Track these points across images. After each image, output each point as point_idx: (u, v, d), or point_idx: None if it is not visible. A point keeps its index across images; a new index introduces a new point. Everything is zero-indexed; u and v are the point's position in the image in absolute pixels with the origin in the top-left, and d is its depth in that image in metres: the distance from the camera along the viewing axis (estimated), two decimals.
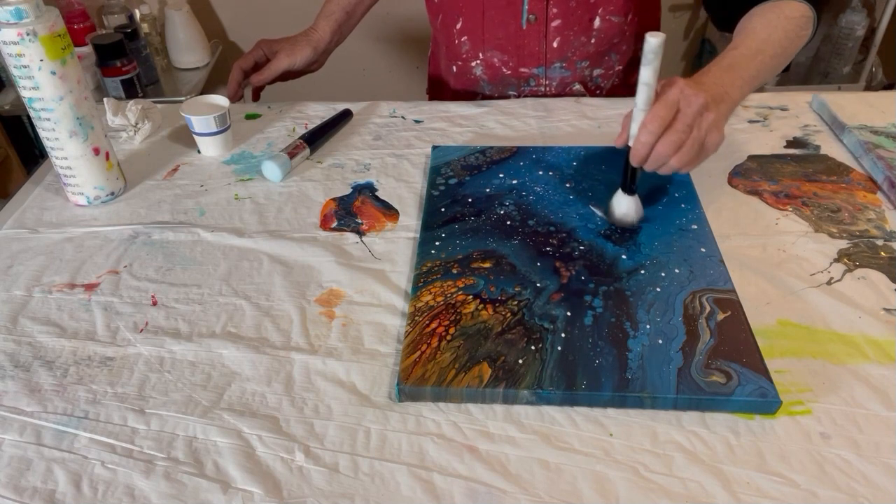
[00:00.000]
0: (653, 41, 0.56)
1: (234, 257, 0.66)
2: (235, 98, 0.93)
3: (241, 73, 0.93)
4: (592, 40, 0.89)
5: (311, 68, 0.97)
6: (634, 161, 0.60)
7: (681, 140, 0.58)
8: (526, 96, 0.95)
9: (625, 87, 0.97)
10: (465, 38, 0.92)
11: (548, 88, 0.94)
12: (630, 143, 0.60)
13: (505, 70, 0.93)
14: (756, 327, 0.54)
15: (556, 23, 0.87)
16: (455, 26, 0.92)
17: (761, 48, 0.67)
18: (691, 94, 0.58)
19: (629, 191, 0.64)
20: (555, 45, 0.89)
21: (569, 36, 0.88)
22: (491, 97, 0.97)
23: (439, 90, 1.05)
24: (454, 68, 0.97)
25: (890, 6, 1.67)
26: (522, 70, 0.92)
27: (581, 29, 0.88)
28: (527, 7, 0.86)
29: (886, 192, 0.70)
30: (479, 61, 0.94)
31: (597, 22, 0.88)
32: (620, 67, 0.94)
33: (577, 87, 0.94)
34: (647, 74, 0.57)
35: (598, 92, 0.95)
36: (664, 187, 0.70)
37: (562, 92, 0.94)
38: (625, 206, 0.64)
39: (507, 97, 0.96)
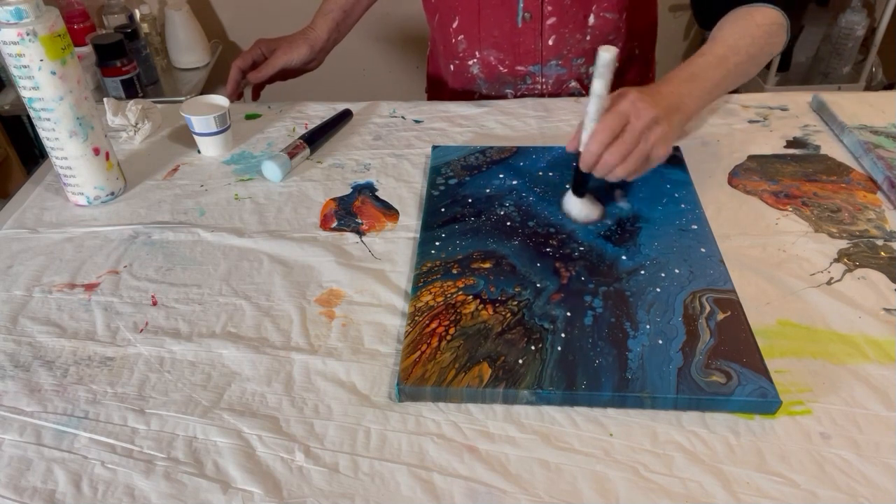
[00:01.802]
0: (605, 56, 0.58)
1: (234, 257, 0.66)
2: (234, 97, 0.93)
3: (239, 73, 0.93)
4: (588, 37, 0.89)
5: (309, 67, 0.97)
6: (583, 167, 0.62)
7: (627, 151, 0.60)
8: (523, 94, 0.95)
9: (620, 85, 0.96)
10: (462, 36, 0.93)
11: (544, 86, 0.94)
12: (581, 149, 0.62)
13: (501, 68, 0.93)
14: (756, 327, 0.54)
15: (551, 20, 0.87)
16: (451, 25, 0.93)
17: (726, 55, 0.68)
18: (642, 107, 0.60)
19: (579, 193, 0.66)
20: (550, 42, 0.89)
21: (564, 33, 0.89)
22: (488, 96, 0.97)
23: (438, 89, 1.05)
24: (452, 67, 0.98)
25: (890, 6, 1.67)
26: (519, 68, 0.92)
27: (576, 26, 0.88)
28: (522, 5, 0.87)
29: (886, 192, 0.70)
30: (475, 60, 0.94)
31: (591, 19, 0.88)
32: (617, 64, 0.94)
33: (574, 84, 0.94)
34: (598, 86, 0.59)
35: None
36: (664, 187, 0.70)
37: (558, 90, 0.94)
38: (575, 207, 0.66)
39: (503, 96, 0.96)
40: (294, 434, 0.49)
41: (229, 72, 0.93)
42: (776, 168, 0.75)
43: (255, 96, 0.98)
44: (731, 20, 0.72)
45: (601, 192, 0.69)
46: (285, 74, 0.96)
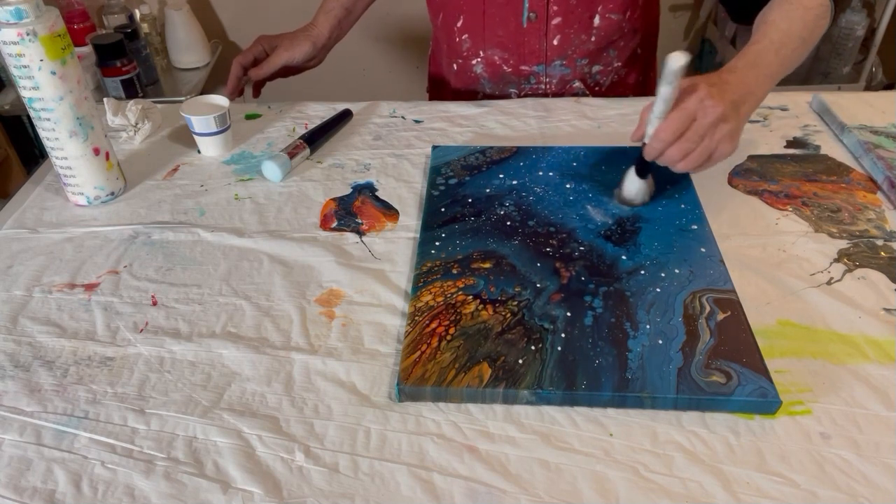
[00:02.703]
0: (674, 65, 0.56)
1: (234, 257, 0.66)
2: (235, 94, 0.92)
3: (240, 69, 0.92)
4: (592, 38, 0.89)
5: (310, 64, 0.97)
6: (647, 157, 0.63)
7: (690, 149, 0.60)
8: (526, 94, 0.95)
9: (624, 84, 0.97)
10: (466, 35, 0.93)
11: (548, 86, 0.94)
12: (646, 141, 0.63)
13: (505, 68, 0.93)
14: (756, 327, 0.54)
15: (556, 21, 0.87)
16: (456, 24, 0.93)
17: (784, 42, 0.68)
18: (710, 105, 0.59)
19: (642, 175, 0.66)
20: (555, 42, 0.89)
21: (569, 34, 0.89)
22: (492, 95, 0.97)
23: (440, 89, 1.05)
24: (455, 66, 0.98)
25: (890, 6, 1.67)
26: (523, 68, 0.92)
27: (581, 27, 0.88)
28: (527, 5, 0.87)
29: (886, 192, 0.70)
30: (479, 59, 0.94)
31: (597, 20, 0.88)
32: (619, 64, 0.94)
33: (577, 84, 0.94)
34: (665, 91, 0.59)
35: (597, 89, 0.96)
36: (664, 187, 0.70)
37: (562, 89, 0.94)
38: (634, 186, 0.67)
39: (507, 95, 0.96)
40: (294, 434, 0.49)
41: (230, 69, 0.93)
42: (776, 168, 0.75)
43: (256, 94, 0.98)
44: (778, 5, 0.71)
45: (606, 194, 0.69)
46: (286, 72, 0.95)
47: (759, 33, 0.69)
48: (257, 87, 0.97)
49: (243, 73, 0.93)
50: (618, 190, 0.69)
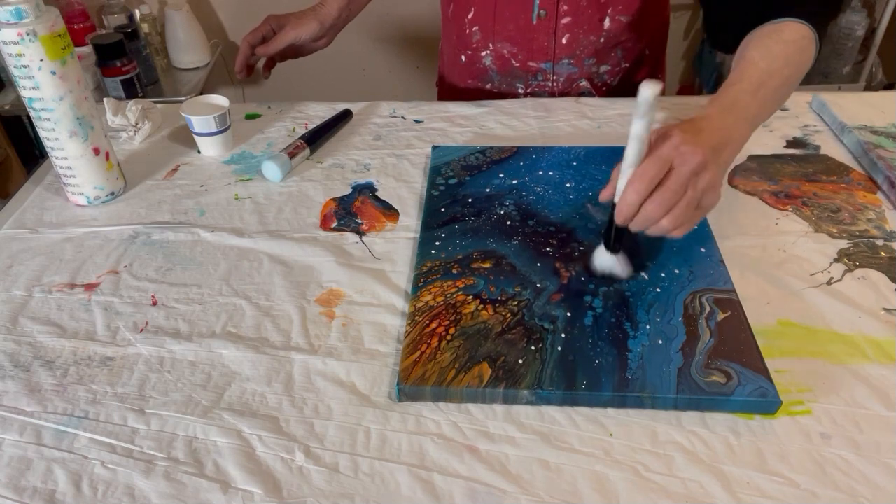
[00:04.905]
0: (647, 93, 0.49)
1: (234, 257, 0.66)
2: (244, 73, 0.91)
3: (249, 48, 0.91)
4: (602, 39, 0.90)
5: (319, 44, 0.95)
6: (619, 219, 0.54)
7: (673, 200, 0.53)
8: (533, 90, 0.95)
9: (630, 84, 0.97)
10: (476, 28, 0.93)
11: (555, 84, 0.94)
12: (616, 200, 0.54)
13: (514, 62, 0.93)
14: (756, 327, 0.54)
15: (565, 20, 0.88)
16: (466, 16, 0.93)
17: (763, 81, 0.62)
18: (688, 150, 0.53)
19: (613, 249, 0.58)
20: (564, 41, 0.89)
21: (578, 34, 0.89)
22: (500, 88, 0.97)
23: (447, 81, 1.05)
24: (463, 58, 0.97)
25: (890, 6, 1.67)
26: (531, 64, 0.93)
27: (591, 28, 0.88)
28: (537, 2, 0.87)
29: (886, 192, 0.70)
30: (489, 51, 0.94)
31: (606, 22, 0.88)
32: (627, 64, 0.94)
33: (584, 83, 0.94)
34: (638, 128, 0.51)
35: (604, 88, 0.96)
36: None
37: (568, 88, 0.95)
38: (608, 264, 0.59)
39: (515, 90, 0.96)
40: (294, 434, 0.49)
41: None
42: (776, 168, 0.75)
43: (266, 72, 0.95)
44: (757, 40, 0.66)
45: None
46: (296, 52, 0.94)
47: (736, 72, 0.64)
48: (267, 67, 0.95)
49: (252, 52, 0.91)
50: (591, 265, 0.60)
